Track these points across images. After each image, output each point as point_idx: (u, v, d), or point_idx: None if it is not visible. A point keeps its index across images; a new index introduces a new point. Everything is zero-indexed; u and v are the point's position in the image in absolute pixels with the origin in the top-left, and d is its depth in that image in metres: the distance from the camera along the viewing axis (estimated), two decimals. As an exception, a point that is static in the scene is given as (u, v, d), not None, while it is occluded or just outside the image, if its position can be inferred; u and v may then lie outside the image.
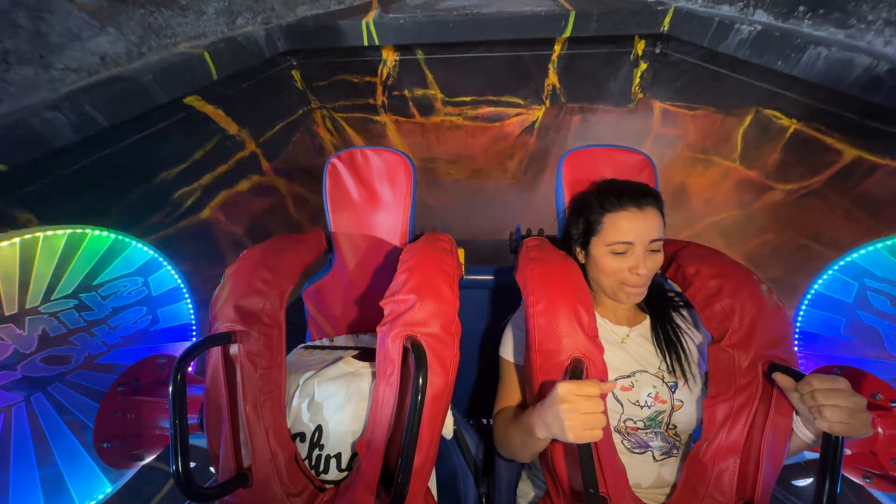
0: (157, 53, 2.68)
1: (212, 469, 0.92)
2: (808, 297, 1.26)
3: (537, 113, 3.89)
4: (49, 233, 1.09)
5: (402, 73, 3.79)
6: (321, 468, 0.92)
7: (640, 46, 3.50)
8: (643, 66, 3.56)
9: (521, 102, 3.86)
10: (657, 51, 3.49)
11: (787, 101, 2.72)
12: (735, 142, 3.05)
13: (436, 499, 0.96)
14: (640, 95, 3.68)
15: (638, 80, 3.64)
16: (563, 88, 3.77)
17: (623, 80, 3.66)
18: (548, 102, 3.85)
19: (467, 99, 3.87)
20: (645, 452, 0.98)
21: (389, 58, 3.72)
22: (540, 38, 3.50)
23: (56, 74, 2.07)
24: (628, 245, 0.98)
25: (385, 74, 3.81)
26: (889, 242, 1.14)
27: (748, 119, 3.00)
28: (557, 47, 3.56)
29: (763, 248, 2.65)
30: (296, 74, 3.84)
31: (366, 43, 3.56)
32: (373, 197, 1.29)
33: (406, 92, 3.87)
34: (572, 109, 3.84)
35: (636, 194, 1.01)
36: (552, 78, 3.73)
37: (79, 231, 1.14)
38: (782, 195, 2.72)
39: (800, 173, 2.68)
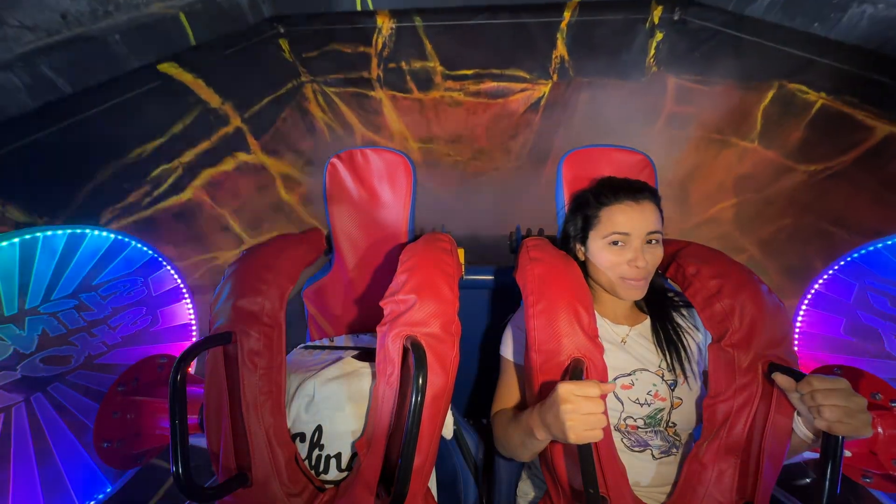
0: (126, 13, 2.58)
1: (212, 469, 0.98)
2: (808, 297, 1.33)
3: (543, 88, 3.84)
4: (49, 233, 1.15)
5: (399, 42, 3.74)
6: (321, 468, 0.98)
7: (658, 13, 3.45)
8: (659, 35, 3.52)
9: (527, 76, 3.80)
10: (676, 17, 3.44)
11: (817, 71, 2.68)
12: (754, 120, 3.04)
13: (436, 499, 1.02)
14: (655, 69, 3.65)
15: (653, 51, 3.60)
16: (572, 61, 3.73)
17: (637, 52, 3.62)
18: (555, 76, 3.80)
19: (469, 72, 3.82)
20: (644, 451, 1.05)
21: (385, 25, 3.66)
22: (548, 3, 3.45)
23: (10, 32, 1.98)
24: (625, 236, 1.05)
25: (380, 44, 3.76)
26: (889, 242, 1.21)
27: (770, 94, 2.99)
28: (567, 14, 3.51)
29: (780, 234, 2.68)
30: (283, 44, 3.77)
31: (359, 7, 3.49)
32: (373, 197, 1.35)
33: (403, 64, 3.83)
34: (581, 85, 3.79)
35: (632, 189, 1.08)
36: (560, 49, 3.69)
37: (79, 231, 1.20)
38: (804, 177, 2.73)
39: (824, 153, 2.68)
